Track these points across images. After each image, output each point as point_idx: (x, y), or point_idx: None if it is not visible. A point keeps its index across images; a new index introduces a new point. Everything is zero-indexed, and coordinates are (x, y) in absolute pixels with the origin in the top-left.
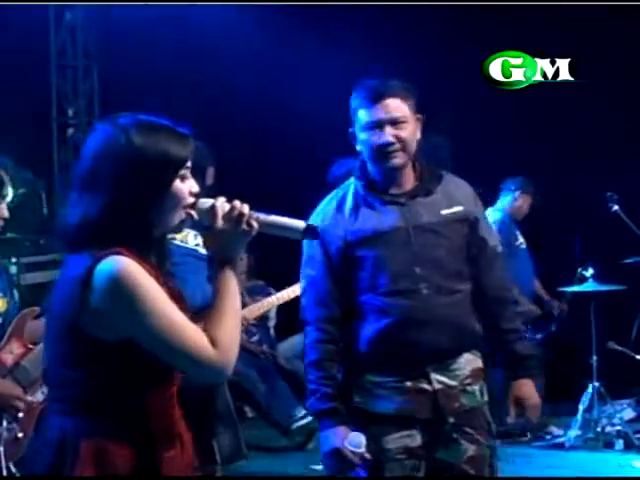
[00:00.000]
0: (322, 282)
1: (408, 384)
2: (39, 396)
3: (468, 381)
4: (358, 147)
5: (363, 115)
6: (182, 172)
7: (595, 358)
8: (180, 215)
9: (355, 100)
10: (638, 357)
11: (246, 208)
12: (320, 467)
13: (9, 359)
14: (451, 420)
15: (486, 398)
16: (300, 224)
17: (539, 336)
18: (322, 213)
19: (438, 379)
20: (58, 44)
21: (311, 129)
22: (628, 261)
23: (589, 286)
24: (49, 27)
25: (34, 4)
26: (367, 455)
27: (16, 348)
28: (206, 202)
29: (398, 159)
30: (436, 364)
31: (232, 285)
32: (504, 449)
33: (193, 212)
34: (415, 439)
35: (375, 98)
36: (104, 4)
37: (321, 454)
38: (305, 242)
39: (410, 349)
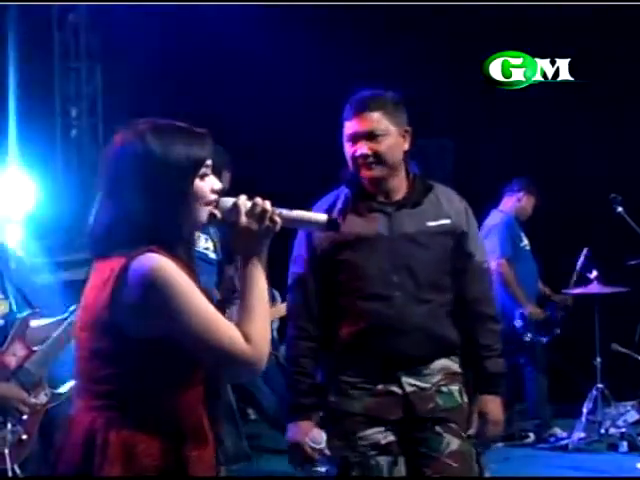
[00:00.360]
0: (306, 281)
1: (379, 387)
2: (42, 398)
3: (442, 383)
4: None
5: (345, 127)
6: (202, 171)
7: (599, 360)
8: (204, 213)
9: (344, 112)
10: None
11: (268, 204)
12: (323, 469)
13: (12, 361)
14: (429, 416)
15: (466, 399)
16: (322, 217)
17: (544, 339)
18: None
19: (410, 382)
20: (61, 45)
21: (316, 128)
22: (632, 263)
23: (593, 288)
24: (52, 28)
25: (37, 4)
26: (326, 451)
27: (19, 350)
28: (228, 200)
29: (375, 171)
30: (408, 369)
31: (260, 280)
32: (508, 451)
33: (216, 211)
34: (387, 437)
35: (356, 111)
36: (107, 4)
37: None
38: (295, 242)
39: (382, 354)
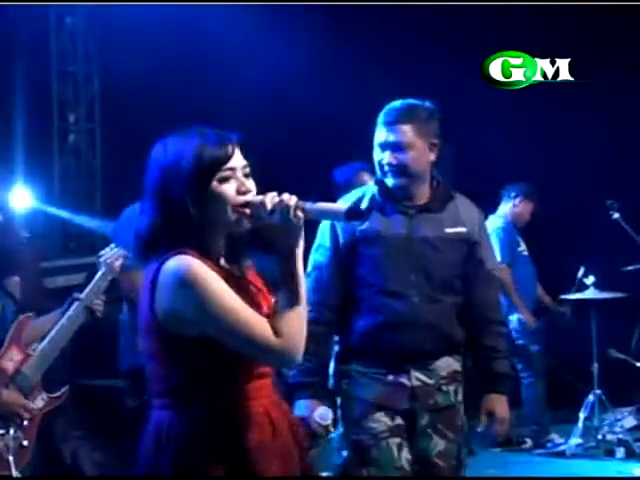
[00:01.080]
0: (326, 269)
1: (390, 377)
2: (39, 402)
3: (444, 381)
4: None
5: (376, 133)
6: (222, 174)
7: (596, 366)
8: (231, 214)
9: (378, 117)
10: (639, 365)
11: (293, 199)
12: (325, 474)
13: (10, 366)
14: (426, 417)
15: (460, 398)
16: (343, 207)
17: (536, 348)
18: None
19: (417, 376)
20: (59, 50)
21: (316, 131)
22: (629, 269)
23: (590, 293)
24: (50, 33)
25: (34, 3)
26: (332, 429)
27: (15, 355)
28: (257, 198)
29: (398, 180)
30: (417, 363)
31: (295, 273)
32: (505, 456)
33: (247, 210)
34: (395, 420)
35: (385, 122)
36: (106, 4)
37: None
38: (319, 231)
39: (395, 348)
